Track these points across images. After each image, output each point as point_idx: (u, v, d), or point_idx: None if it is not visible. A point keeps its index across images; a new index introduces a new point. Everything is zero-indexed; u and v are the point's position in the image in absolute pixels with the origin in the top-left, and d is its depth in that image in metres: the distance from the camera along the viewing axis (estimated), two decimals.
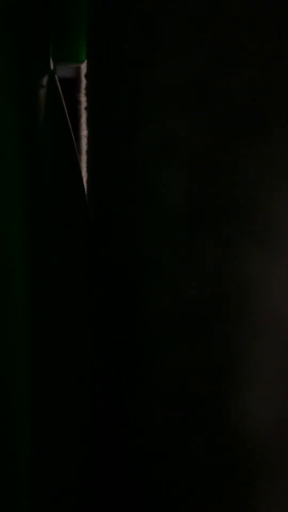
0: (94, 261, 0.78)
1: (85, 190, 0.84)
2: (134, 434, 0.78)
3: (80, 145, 0.88)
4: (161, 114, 0.76)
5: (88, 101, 0.84)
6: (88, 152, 0.85)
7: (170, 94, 0.75)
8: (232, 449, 0.74)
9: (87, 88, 0.84)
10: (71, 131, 0.78)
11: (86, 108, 0.85)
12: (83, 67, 0.86)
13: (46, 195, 0.73)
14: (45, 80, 0.75)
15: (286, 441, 0.74)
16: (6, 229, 0.69)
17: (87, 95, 0.84)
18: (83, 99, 0.86)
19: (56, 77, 0.77)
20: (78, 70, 0.95)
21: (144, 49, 0.76)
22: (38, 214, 0.71)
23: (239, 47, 0.73)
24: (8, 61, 0.70)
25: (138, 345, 0.78)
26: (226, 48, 0.73)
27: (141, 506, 0.78)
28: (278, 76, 0.73)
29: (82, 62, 0.85)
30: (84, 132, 0.86)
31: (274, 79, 0.73)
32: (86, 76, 0.85)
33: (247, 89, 0.73)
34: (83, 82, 0.86)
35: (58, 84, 0.77)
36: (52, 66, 0.76)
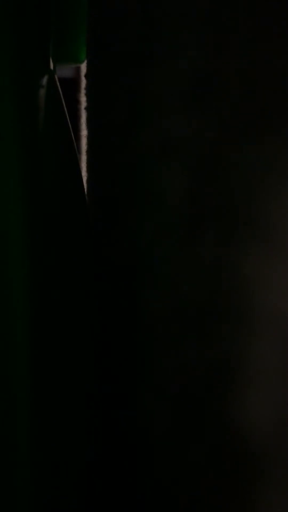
0: (94, 261, 0.78)
1: (85, 190, 0.84)
2: (134, 435, 0.78)
3: (80, 145, 0.88)
4: (161, 114, 0.76)
5: (88, 101, 0.84)
6: (88, 152, 0.85)
7: (170, 94, 0.75)
8: (233, 449, 0.74)
9: (87, 88, 0.85)
10: (71, 131, 0.78)
11: (86, 108, 0.85)
12: (83, 67, 0.87)
13: (46, 195, 0.73)
14: (45, 80, 0.75)
15: (286, 441, 0.74)
16: (6, 229, 0.69)
17: (87, 95, 0.85)
18: (83, 99, 0.86)
19: (56, 77, 0.77)
20: (78, 70, 0.95)
21: (144, 49, 0.77)
22: (38, 214, 0.71)
23: (239, 46, 0.73)
24: (8, 61, 0.70)
25: (138, 345, 0.78)
26: (225, 48, 0.73)
27: (141, 506, 0.78)
28: (278, 75, 0.73)
29: (82, 62, 0.85)
30: (84, 132, 0.86)
31: (274, 78, 0.73)
32: (86, 76, 0.85)
33: (247, 88, 0.73)
34: (83, 82, 0.86)
35: (58, 84, 0.77)
36: (52, 66, 0.76)
